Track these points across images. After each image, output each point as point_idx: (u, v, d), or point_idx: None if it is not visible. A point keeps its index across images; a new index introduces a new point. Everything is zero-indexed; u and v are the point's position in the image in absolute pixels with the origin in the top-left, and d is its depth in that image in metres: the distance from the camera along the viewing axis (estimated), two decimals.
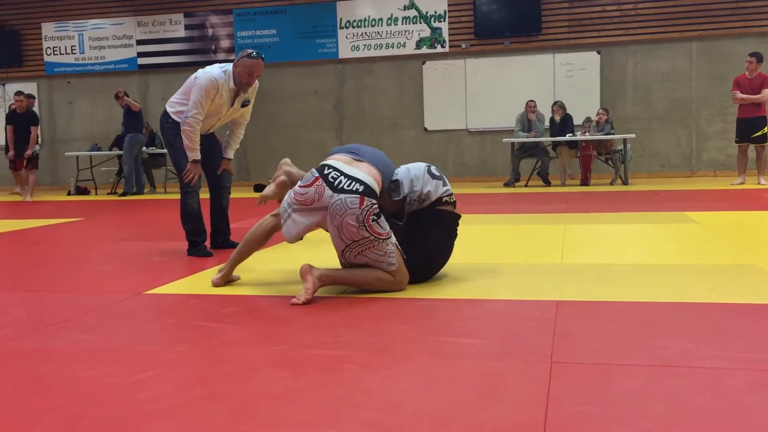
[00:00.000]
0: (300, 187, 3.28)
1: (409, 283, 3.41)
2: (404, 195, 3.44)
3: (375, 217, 3.17)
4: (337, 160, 3.32)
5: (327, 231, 3.30)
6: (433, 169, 3.57)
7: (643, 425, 1.70)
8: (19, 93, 10.76)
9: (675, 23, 11.47)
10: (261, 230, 3.52)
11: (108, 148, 12.25)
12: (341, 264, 3.37)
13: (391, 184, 3.46)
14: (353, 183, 3.18)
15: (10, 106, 11.64)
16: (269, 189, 3.84)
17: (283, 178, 3.78)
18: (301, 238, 3.38)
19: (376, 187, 3.25)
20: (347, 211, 3.14)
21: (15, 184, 12.73)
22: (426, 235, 3.46)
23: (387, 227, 3.24)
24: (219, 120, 4.62)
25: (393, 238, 3.27)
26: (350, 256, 3.25)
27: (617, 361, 2.21)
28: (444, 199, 3.51)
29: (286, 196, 3.38)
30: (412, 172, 3.50)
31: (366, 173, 3.25)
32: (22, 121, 10.68)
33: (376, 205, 3.19)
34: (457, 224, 3.62)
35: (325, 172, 3.26)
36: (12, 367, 2.35)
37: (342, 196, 3.15)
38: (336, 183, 3.19)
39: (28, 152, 10.63)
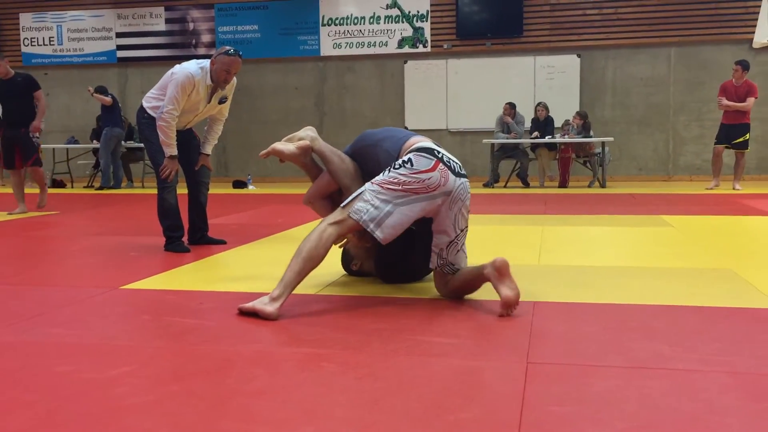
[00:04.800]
0: (421, 172, 2.91)
1: (386, 283, 3.42)
2: None
3: None
4: (430, 142, 3.11)
5: (429, 217, 3.03)
6: None
7: (617, 426, 1.72)
8: None
9: (655, 29, 11.58)
10: (323, 245, 2.88)
11: (89, 138, 12.13)
12: (436, 272, 3.13)
13: None
14: (460, 166, 3.06)
15: None
16: (286, 146, 3.40)
17: (306, 143, 3.39)
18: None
19: None
20: (467, 194, 3.04)
21: None
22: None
23: None
24: (196, 116, 4.59)
25: None
26: (452, 252, 3.06)
27: (592, 362, 2.23)
28: None
29: (376, 191, 2.91)
30: None
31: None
32: (12, 90, 6.93)
33: None
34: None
35: (439, 155, 2.99)
36: None
37: (463, 180, 3.02)
38: (452, 166, 3.00)
39: (36, 124, 6.97)
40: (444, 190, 2.95)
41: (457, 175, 3.01)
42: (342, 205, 2.99)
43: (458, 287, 3.09)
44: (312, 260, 2.87)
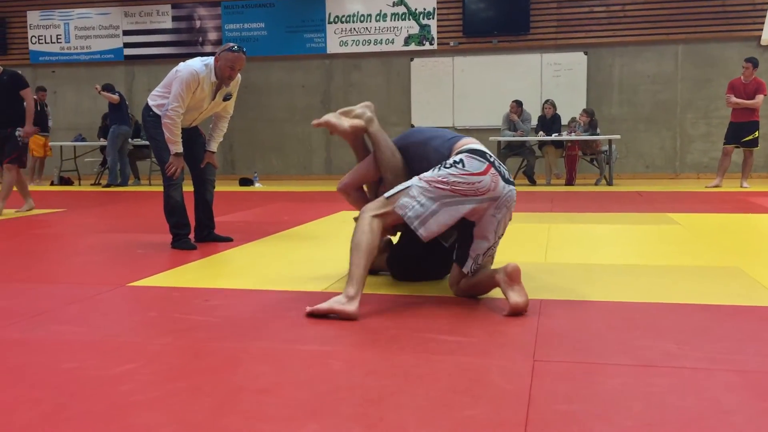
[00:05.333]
0: (472, 174, 2.86)
1: (396, 279, 3.43)
2: None
3: None
4: (480, 144, 3.07)
5: (471, 221, 2.96)
6: None
7: (624, 424, 1.71)
8: None
9: (661, 26, 11.54)
10: (377, 236, 2.85)
11: (96, 136, 12.17)
12: (458, 271, 3.06)
13: None
14: (508, 173, 3.03)
15: None
16: (339, 122, 3.27)
17: (361, 124, 3.28)
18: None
19: None
20: (513, 203, 3.00)
21: None
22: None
23: None
24: (201, 114, 4.60)
25: None
26: (485, 257, 3.02)
27: (599, 360, 2.22)
28: None
29: (423, 188, 2.86)
30: None
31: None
32: None
33: None
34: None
35: (491, 159, 2.94)
36: None
37: (511, 187, 2.97)
38: (501, 172, 2.95)
39: (28, 129, 6.71)
40: (492, 195, 2.90)
41: (506, 181, 2.97)
42: (386, 195, 2.93)
43: (471, 287, 3.06)
44: (372, 252, 2.81)
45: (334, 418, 1.77)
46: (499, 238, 3.06)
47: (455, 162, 2.90)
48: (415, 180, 2.92)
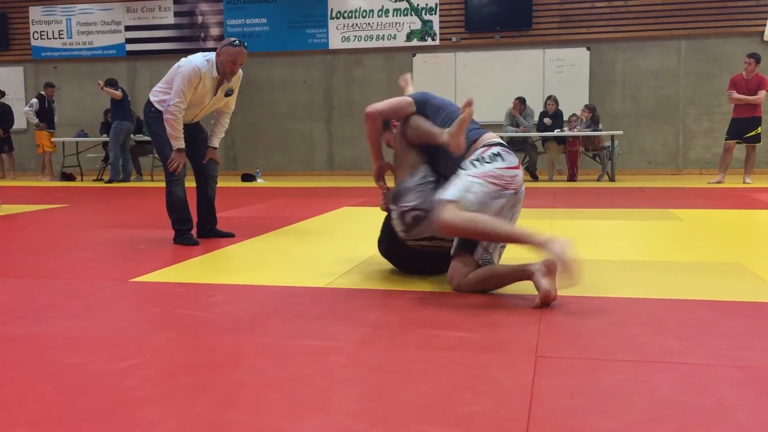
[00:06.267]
0: (511, 168, 3.04)
1: (398, 268, 3.43)
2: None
3: None
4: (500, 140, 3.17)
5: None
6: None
7: (626, 419, 1.72)
8: None
9: (664, 21, 11.52)
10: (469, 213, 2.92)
11: (98, 132, 12.18)
12: (459, 262, 3.07)
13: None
14: None
15: None
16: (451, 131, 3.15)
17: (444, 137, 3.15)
18: None
19: None
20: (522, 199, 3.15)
21: None
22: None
23: None
24: (202, 110, 4.60)
25: None
26: (497, 248, 3.13)
27: (601, 356, 2.22)
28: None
29: (482, 184, 2.96)
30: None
31: None
32: None
33: None
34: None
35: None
36: None
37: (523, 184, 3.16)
38: None
39: None
40: (519, 189, 3.08)
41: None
42: (446, 199, 2.94)
43: (483, 281, 3.05)
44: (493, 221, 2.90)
45: (337, 413, 1.78)
46: None
47: (495, 155, 3.04)
48: (468, 177, 2.99)
